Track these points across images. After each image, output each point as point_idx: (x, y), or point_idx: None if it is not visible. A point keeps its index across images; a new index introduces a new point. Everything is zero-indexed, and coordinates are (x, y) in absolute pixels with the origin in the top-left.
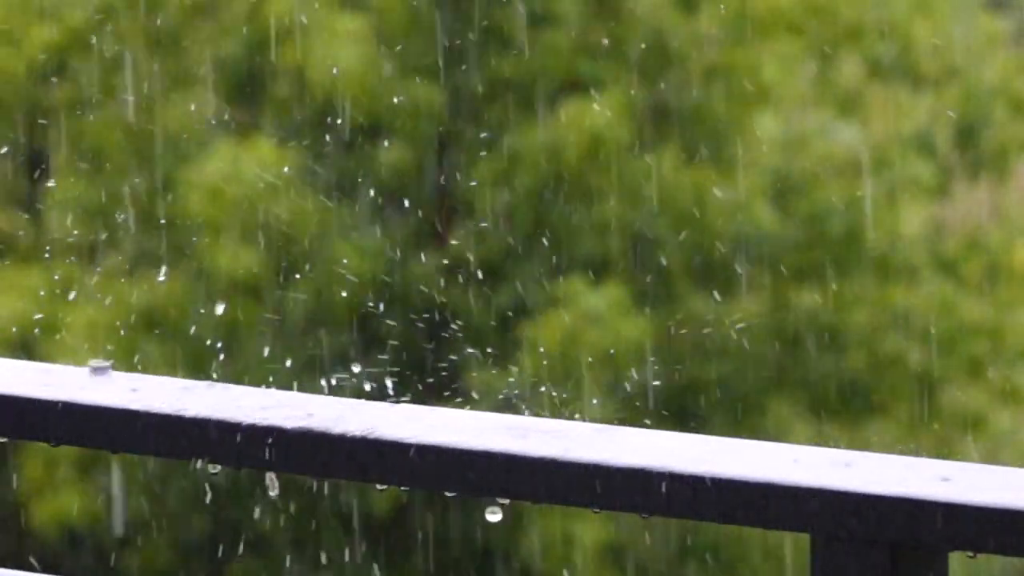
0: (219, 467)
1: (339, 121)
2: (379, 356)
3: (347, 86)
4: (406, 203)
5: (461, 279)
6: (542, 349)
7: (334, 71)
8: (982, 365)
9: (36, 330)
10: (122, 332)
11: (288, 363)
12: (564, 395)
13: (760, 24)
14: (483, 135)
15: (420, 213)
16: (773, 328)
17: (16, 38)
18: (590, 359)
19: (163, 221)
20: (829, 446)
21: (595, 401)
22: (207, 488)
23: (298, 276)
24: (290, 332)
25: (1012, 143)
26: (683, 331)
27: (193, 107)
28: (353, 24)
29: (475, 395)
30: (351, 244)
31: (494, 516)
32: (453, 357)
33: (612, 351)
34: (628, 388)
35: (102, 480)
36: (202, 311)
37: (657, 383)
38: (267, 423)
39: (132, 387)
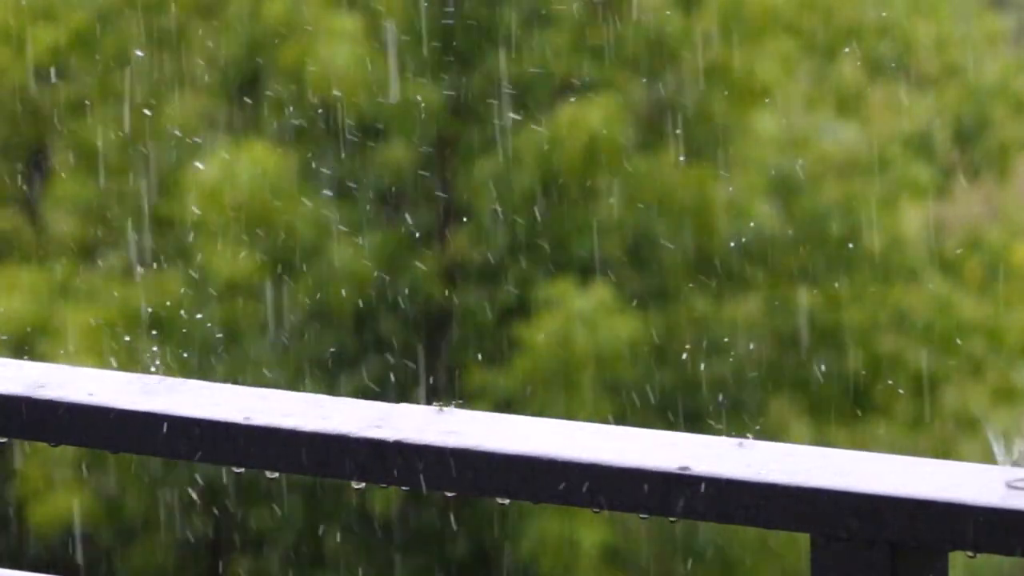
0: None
1: (338, 121)
2: (377, 356)
3: (346, 86)
4: (405, 203)
5: (460, 279)
6: (538, 349)
7: (333, 71)
8: (982, 364)
9: (36, 330)
10: (121, 332)
11: (286, 363)
12: (561, 395)
13: (758, 24)
14: (482, 135)
15: (419, 213)
16: (773, 328)
17: (17, 39)
18: (587, 359)
19: (162, 222)
20: (829, 446)
21: (592, 401)
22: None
23: (297, 276)
24: (288, 332)
25: (1012, 143)
26: (682, 331)
27: (192, 107)
28: (352, 24)
29: (474, 397)
30: (350, 244)
31: None
32: (452, 357)
33: (609, 351)
34: (626, 388)
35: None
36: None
37: (656, 383)
38: (266, 424)
39: (133, 387)
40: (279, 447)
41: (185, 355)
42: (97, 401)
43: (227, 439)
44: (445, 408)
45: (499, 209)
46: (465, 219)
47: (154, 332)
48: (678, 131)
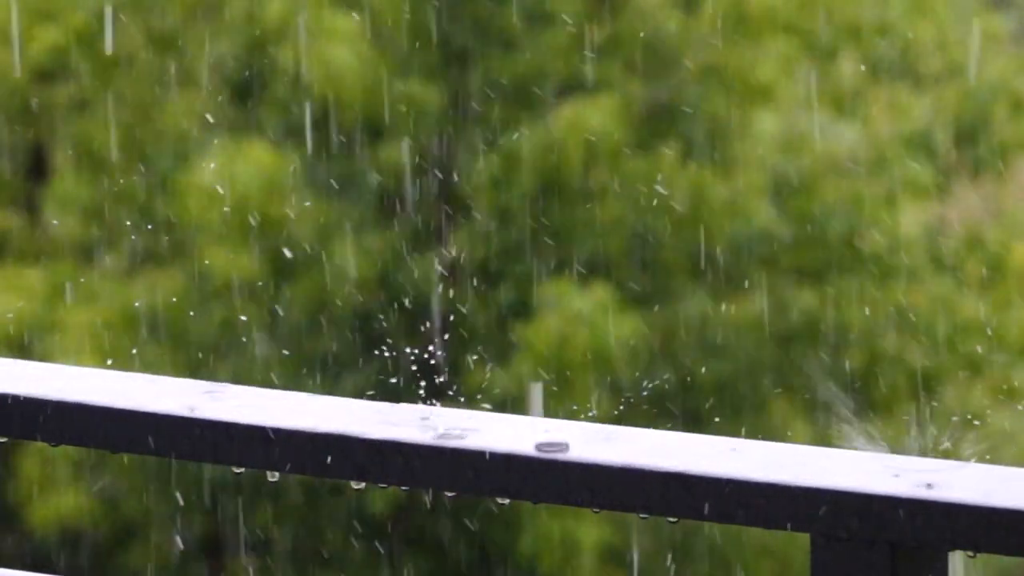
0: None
1: (338, 121)
2: (377, 356)
3: (346, 86)
4: (405, 203)
5: (460, 280)
6: (537, 350)
7: (332, 71)
8: (981, 364)
9: (36, 330)
10: (121, 332)
11: (286, 363)
12: (560, 396)
13: (757, 23)
14: (482, 135)
15: (419, 213)
16: (772, 328)
17: (17, 38)
18: (588, 359)
19: (162, 222)
20: (830, 446)
21: (592, 401)
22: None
23: (297, 276)
24: (288, 333)
25: (1012, 143)
26: (682, 331)
27: (192, 108)
28: (351, 24)
29: (474, 397)
30: (350, 245)
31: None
32: (452, 357)
33: (608, 351)
34: (625, 388)
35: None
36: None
37: (656, 383)
38: (266, 424)
39: (132, 386)
40: (279, 447)
41: (185, 355)
42: (97, 401)
43: (227, 439)
44: (443, 408)
45: (498, 209)
46: (465, 219)
47: (154, 332)
48: (677, 131)
